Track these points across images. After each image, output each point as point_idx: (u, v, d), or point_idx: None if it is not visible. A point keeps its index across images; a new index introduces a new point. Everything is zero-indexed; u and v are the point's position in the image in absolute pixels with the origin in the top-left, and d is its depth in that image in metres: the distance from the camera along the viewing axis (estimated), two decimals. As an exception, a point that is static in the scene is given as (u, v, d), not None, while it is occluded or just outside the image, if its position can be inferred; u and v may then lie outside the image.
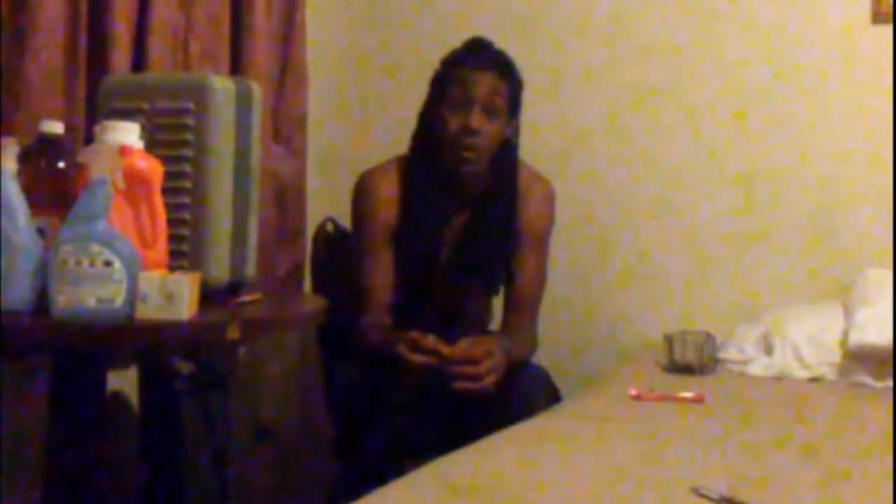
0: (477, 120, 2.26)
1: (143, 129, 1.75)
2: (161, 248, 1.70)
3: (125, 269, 1.54)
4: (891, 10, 2.73)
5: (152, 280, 1.57)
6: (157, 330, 1.59)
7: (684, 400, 2.07)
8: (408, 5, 3.14)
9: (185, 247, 1.80)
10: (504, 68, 2.32)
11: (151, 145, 1.76)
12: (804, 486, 1.49)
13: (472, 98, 2.26)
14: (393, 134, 2.52)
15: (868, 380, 2.32)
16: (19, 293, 1.56)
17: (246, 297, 1.87)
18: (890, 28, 2.72)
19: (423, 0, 3.13)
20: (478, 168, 2.31)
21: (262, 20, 2.60)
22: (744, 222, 2.88)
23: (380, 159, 2.44)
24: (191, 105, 1.82)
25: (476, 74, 2.28)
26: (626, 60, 2.96)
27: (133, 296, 1.55)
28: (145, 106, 1.83)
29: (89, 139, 1.91)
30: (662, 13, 2.94)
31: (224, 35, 2.50)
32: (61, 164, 1.72)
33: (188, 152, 1.81)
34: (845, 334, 2.38)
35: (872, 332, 2.33)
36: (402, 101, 2.57)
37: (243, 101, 1.89)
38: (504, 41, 2.38)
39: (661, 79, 2.93)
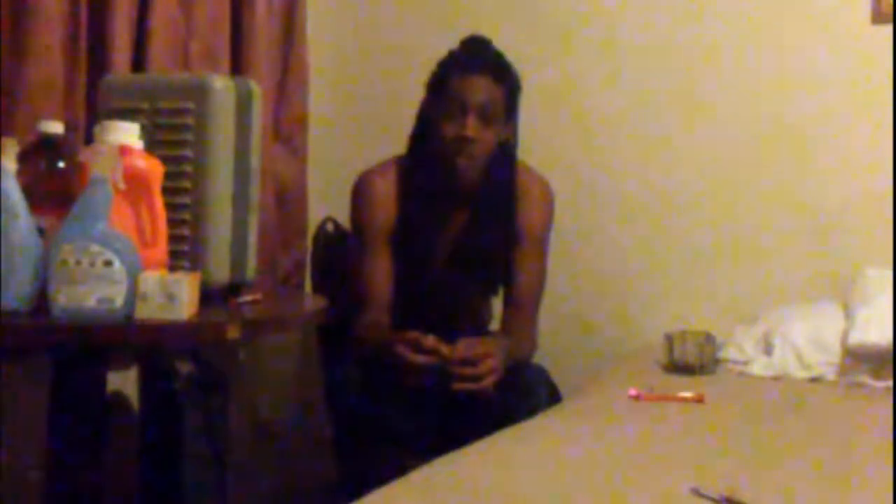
0: (472, 128, 2.25)
1: (143, 129, 1.75)
2: (161, 248, 1.70)
3: (125, 269, 1.55)
4: (891, 10, 2.72)
5: (152, 280, 1.57)
6: (157, 330, 1.59)
7: (684, 400, 2.07)
8: (408, 5, 3.13)
9: (185, 247, 1.80)
10: (500, 71, 2.31)
11: (151, 145, 1.76)
12: (804, 486, 1.49)
13: (468, 105, 2.25)
14: (393, 134, 2.52)
15: (868, 380, 2.31)
16: (19, 293, 1.56)
17: (246, 297, 1.87)
18: (890, 28, 2.72)
19: (423, 0, 3.13)
20: (474, 173, 2.31)
21: (263, 20, 2.60)
22: (744, 222, 2.87)
23: (380, 159, 2.44)
24: (191, 105, 1.82)
25: (471, 80, 2.26)
26: (625, 61, 2.96)
27: (133, 296, 1.56)
28: (145, 106, 1.83)
29: (89, 139, 1.91)
30: (661, 14, 2.93)
31: (224, 35, 2.50)
32: (61, 164, 1.72)
33: (188, 152, 1.82)
34: (845, 334, 2.37)
35: (872, 331, 2.33)
36: (402, 102, 2.56)
37: (243, 101, 1.89)
38: (504, 41, 2.38)
39: (661, 80, 2.93)
